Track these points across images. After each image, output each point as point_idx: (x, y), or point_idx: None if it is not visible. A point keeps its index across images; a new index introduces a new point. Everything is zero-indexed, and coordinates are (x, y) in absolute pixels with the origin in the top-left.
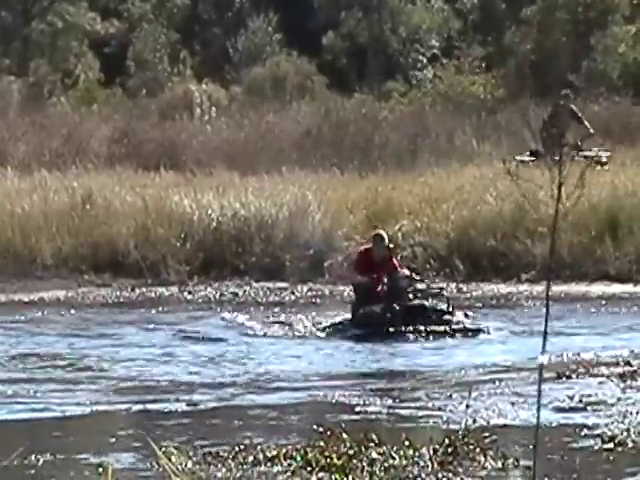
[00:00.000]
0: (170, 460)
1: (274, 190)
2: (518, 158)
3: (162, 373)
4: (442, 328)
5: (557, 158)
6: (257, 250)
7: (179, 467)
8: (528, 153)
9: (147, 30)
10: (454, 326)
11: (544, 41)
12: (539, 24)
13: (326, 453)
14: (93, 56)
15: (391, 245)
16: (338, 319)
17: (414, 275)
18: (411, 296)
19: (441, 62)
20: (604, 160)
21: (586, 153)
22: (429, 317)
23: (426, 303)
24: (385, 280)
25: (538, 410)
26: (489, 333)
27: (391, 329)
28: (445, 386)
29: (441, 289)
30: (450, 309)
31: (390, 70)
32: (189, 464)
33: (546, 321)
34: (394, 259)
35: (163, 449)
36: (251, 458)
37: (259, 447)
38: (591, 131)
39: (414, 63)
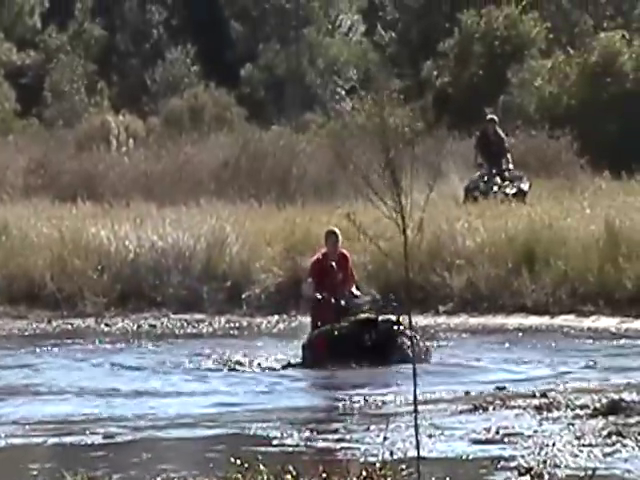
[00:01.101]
0: None
1: (192, 221)
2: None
3: (78, 406)
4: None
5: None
6: (174, 282)
7: None
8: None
9: (64, 61)
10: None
11: (461, 74)
12: (456, 57)
13: None
14: (9, 86)
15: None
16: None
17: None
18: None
19: (359, 94)
20: (526, 189)
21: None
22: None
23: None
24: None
25: (417, 440)
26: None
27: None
28: (363, 418)
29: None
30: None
31: (308, 102)
32: None
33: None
34: (350, 266)
35: None
36: None
37: (176, 479)
38: (509, 160)
39: (332, 95)
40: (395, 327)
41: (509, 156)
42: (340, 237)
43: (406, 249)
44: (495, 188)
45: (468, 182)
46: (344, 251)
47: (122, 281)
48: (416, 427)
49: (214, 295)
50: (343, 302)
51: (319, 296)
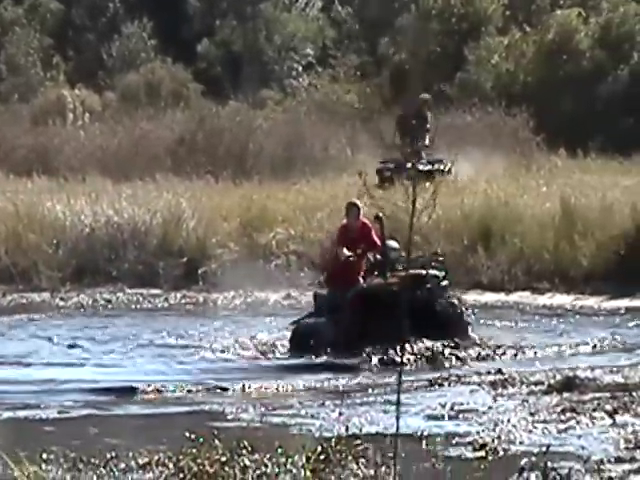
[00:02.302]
0: (24, 469)
1: (148, 197)
2: (378, 167)
3: (33, 380)
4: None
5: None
6: (130, 257)
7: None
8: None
9: (19, 34)
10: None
11: (418, 51)
12: (413, 34)
13: (198, 460)
14: None
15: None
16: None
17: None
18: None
19: (316, 70)
20: (447, 169)
21: (422, 167)
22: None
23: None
24: (370, 256)
25: (397, 419)
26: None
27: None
28: (318, 394)
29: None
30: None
31: (265, 78)
32: (54, 472)
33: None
34: (374, 234)
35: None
36: (123, 465)
37: (131, 454)
38: (426, 143)
39: (289, 71)
40: (443, 284)
41: (427, 139)
42: (361, 209)
43: (412, 221)
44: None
45: (381, 163)
46: (364, 220)
47: (77, 256)
48: (398, 404)
49: (170, 270)
50: (379, 256)
51: (348, 253)
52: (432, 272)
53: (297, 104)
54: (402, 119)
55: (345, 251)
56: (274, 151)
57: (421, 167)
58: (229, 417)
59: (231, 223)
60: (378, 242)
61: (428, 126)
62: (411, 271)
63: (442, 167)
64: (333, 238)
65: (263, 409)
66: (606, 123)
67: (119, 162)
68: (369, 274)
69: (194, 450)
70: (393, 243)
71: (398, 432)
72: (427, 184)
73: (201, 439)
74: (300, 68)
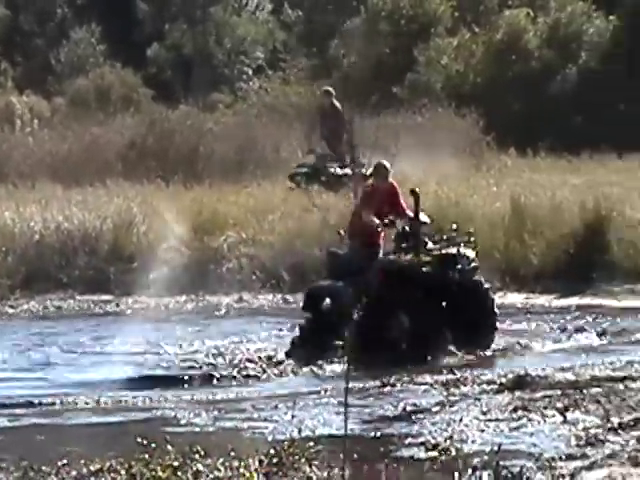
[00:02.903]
0: None
1: (98, 202)
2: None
3: None
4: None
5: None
6: (81, 263)
7: None
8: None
9: None
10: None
11: (368, 53)
12: (363, 36)
13: (151, 466)
14: None
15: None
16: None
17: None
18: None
19: (266, 74)
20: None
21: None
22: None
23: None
24: (399, 226)
25: (345, 420)
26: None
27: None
28: (271, 396)
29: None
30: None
31: (215, 82)
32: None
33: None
34: (401, 199)
35: None
36: (74, 473)
37: (82, 461)
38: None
39: (239, 75)
40: (473, 265)
41: (345, 138)
42: (390, 171)
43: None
44: (328, 172)
45: (296, 168)
46: (393, 182)
47: (27, 263)
48: (346, 405)
49: (121, 276)
50: (408, 227)
51: (377, 221)
52: (463, 251)
53: (248, 107)
54: (323, 118)
55: (375, 219)
56: (225, 154)
57: (338, 171)
58: (182, 422)
59: (182, 227)
60: (406, 209)
61: (346, 121)
62: (443, 250)
63: (363, 171)
64: (359, 200)
65: (216, 413)
66: (555, 122)
67: (69, 168)
68: (397, 246)
69: (146, 456)
70: (425, 218)
71: (347, 434)
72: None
73: (153, 445)
74: (250, 71)
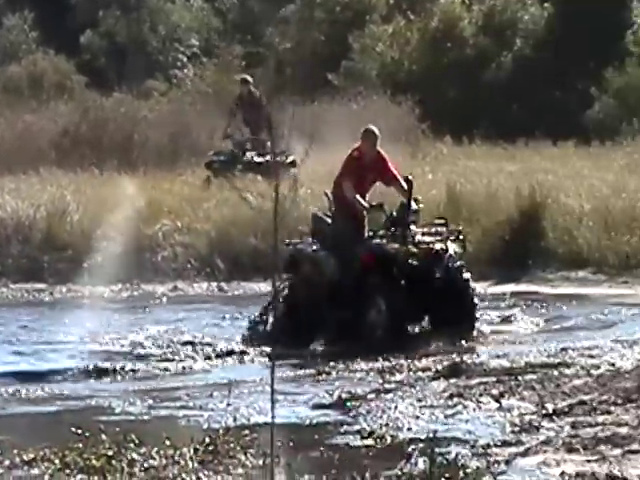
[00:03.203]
0: None
1: (31, 191)
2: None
3: None
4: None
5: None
6: (14, 251)
7: None
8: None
9: None
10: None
11: (303, 40)
12: (297, 23)
13: (85, 455)
14: None
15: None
16: None
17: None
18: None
19: (201, 61)
20: (289, 160)
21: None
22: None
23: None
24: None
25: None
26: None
27: None
28: (206, 385)
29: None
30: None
31: (150, 69)
32: None
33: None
34: (390, 165)
35: None
36: (7, 462)
37: (15, 450)
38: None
39: (174, 62)
40: (458, 263)
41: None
42: (379, 138)
43: (276, 208)
44: (245, 160)
45: (212, 155)
46: (381, 151)
47: None
48: (272, 393)
49: (55, 264)
50: (395, 212)
51: (365, 204)
52: (452, 248)
53: (182, 94)
54: (238, 104)
55: (361, 200)
56: (159, 142)
57: (257, 159)
58: (116, 411)
59: (116, 215)
60: (398, 176)
61: (267, 110)
62: (430, 245)
63: (284, 159)
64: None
65: (151, 402)
66: (490, 109)
67: (1, 156)
68: (386, 231)
69: (80, 445)
70: (415, 206)
71: (274, 421)
72: (259, 177)
73: (87, 434)
74: (185, 59)
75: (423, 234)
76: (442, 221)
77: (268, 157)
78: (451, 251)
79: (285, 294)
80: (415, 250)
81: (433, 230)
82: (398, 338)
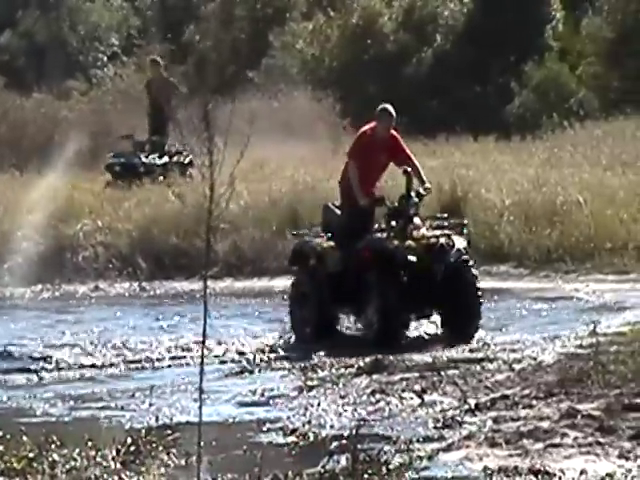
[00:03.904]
0: None
1: None
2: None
3: None
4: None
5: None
6: None
7: None
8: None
9: None
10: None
11: (223, 38)
12: (218, 21)
13: (5, 457)
14: None
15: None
16: None
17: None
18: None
19: (121, 60)
20: (187, 161)
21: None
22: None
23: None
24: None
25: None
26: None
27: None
28: (127, 385)
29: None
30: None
31: (70, 69)
32: None
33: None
34: (403, 144)
35: None
36: None
37: None
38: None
39: (94, 61)
40: (466, 258)
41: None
42: (394, 119)
43: (211, 207)
44: (147, 162)
45: (112, 158)
46: (394, 133)
47: None
48: (200, 392)
49: None
50: (397, 204)
51: (364, 200)
52: (458, 243)
53: (103, 94)
54: (149, 91)
55: (364, 195)
56: (80, 142)
57: (158, 161)
58: (37, 413)
59: (37, 215)
60: (412, 157)
61: (174, 103)
62: (433, 239)
63: (181, 159)
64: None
65: (72, 403)
66: (411, 105)
67: None
68: (387, 225)
69: (1, 447)
70: (416, 198)
71: (201, 420)
72: (162, 178)
73: (8, 436)
74: (105, 58)
75: (428, 228)
76: (445, 215)
77: (167, 158)
78: (458, 245)
79: (290, 288)
80: (415, 245)
81: (436, 224)
82: (391, 336)
